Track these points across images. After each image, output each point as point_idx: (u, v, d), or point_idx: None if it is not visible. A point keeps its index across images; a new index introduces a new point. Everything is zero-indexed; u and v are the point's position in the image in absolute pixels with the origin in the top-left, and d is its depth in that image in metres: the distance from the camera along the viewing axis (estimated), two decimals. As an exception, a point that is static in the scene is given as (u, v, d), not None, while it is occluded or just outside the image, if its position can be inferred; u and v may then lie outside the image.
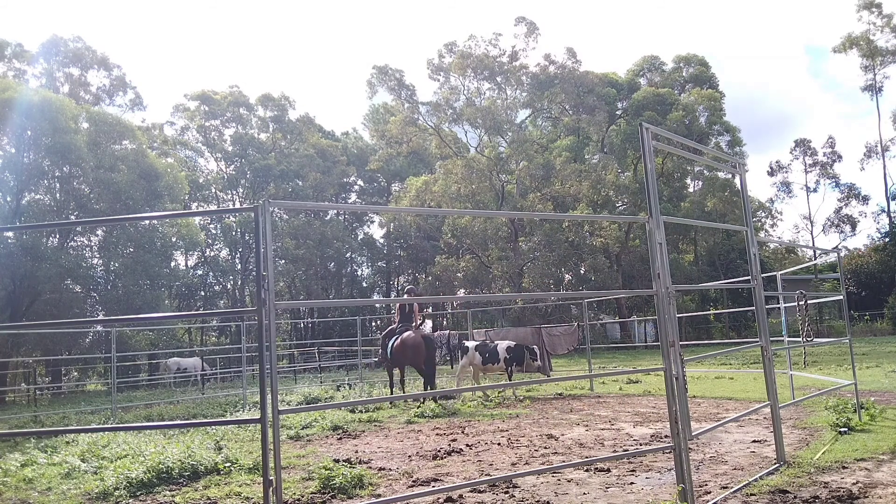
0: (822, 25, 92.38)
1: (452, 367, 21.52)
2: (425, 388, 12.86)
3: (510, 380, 13.40)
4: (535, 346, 14.00)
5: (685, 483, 4.58)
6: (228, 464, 7.01)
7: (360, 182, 56.66)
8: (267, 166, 47.18)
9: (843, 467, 5.65)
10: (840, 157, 47.00)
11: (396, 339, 13.03)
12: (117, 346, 15.40)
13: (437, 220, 45.97)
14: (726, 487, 5.21)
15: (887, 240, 42.33)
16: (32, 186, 30.08)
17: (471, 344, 14.09)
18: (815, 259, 34.89)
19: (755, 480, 5.32)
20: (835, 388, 9.22)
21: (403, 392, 13.38)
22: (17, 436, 10.15)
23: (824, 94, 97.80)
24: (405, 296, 14.71)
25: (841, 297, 8.77)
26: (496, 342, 14.00)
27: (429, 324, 14.58)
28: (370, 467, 6.90)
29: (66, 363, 32.52)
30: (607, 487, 5.51)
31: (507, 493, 5.52)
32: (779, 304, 11.47)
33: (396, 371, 13.70)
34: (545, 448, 7.52)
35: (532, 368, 13.73)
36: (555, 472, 6.06)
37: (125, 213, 28.39)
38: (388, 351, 13.15)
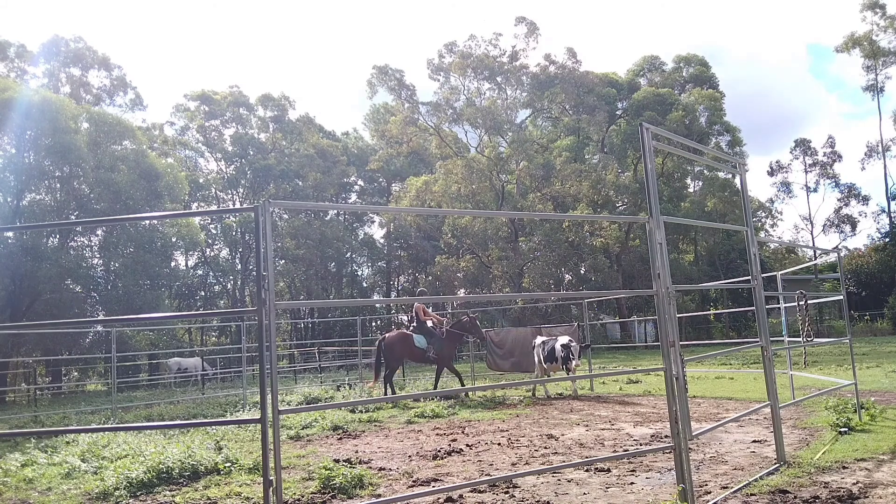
0: (825, 25, 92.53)
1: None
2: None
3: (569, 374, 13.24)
4: (572, 342, 13.35)
5: (685, 483, 4.58)
6: (228, 464, 7.01)
7: (360, 182, 56.66)
8: (267, 166, 47.19)
9: (844, 467, 5.64)
10: (840, 156, 47.10)
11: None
12: (117, 346, 15.40)
13: (437, 220, 45.98)
14: (726, 487, 5.21)
15: (887, 240, 42.34)
16: (33, 186, 30.08)
17: (537, 341, 14.00)
18: (815, 259, 34.88)
19: (755, 480, 5.32)
20: (835, 388, 9.22)
21: (393, 389, 14.19)
22: (18, 436, 10.15)
23: (827, 95, 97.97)
24: (419, 296, 15.33)
25: (841, 297, 8.77)
26: (555, 338, 13.74)
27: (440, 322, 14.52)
28: (370, 467, 6.90)
29: (67, 363, 32.53)
30: (607, 487, 5.51)
31: (507, 493, 5.52)
32: (779, 304, 11.46)
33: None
34: (545, 448, 7.52)
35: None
36: (555, 472, 6.06)
37: (125, 213, 28.38)
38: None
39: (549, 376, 13.45)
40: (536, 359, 13.82)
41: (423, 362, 14.49)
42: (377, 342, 14.46)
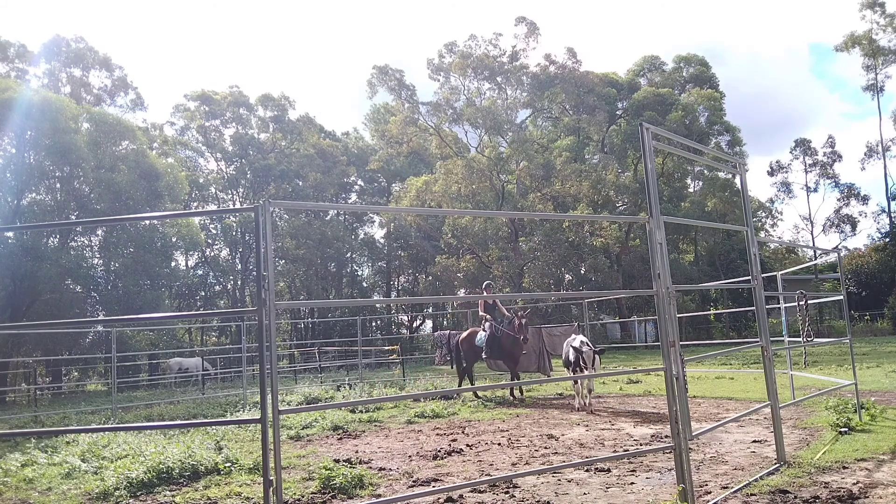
0: (827, 24, 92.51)
1: (452, 367, 21.55)
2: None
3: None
4: (584, 346, 11.30)
5: (685, 483, 4.58)
6: (229, 464, 7.02)
7: (360, 182, 56.66)
8: (267, 166, 47.19)
9: (844, 467, 5.64)
10: (840, 156, 47.02)
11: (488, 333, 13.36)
12: (117, 346, 15.41)
13: (437, 220, 46.00)
14: (727, 487, 5.21)
15: (887, 240, 42.31)
16: (33, 186, 30.09)
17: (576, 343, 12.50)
18: (815, 259, 34.86)
19: (755, 480, 5.32)
20: (835, 388, 9.22)
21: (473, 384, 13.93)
22: (18, 436, 10.15)
23: (829, 95, 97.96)
24: (485, 292, 14.49)
25: (841, 297, 8.77)
26: (573, 337, 12.61)
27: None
28: (370, 467, 6.90)
29: (67, 363, 32.52)
30: (608, 487, 5.51)
31: (507, 493, 5.53)
32: (779, 304, 11.46)
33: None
34: (545, 448, 7.52)
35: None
36: (555, 472, 6.06)
37: (125, 213, 28.39)
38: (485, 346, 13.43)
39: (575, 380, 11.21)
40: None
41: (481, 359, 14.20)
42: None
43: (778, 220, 50.47)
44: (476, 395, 13.02)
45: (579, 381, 10.93)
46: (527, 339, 12.97)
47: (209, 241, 47.11)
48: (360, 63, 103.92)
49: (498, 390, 13.63)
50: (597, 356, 10.58)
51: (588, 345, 10.73)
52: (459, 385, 14.11)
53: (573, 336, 11.93)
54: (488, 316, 13.59)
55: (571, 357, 10.88)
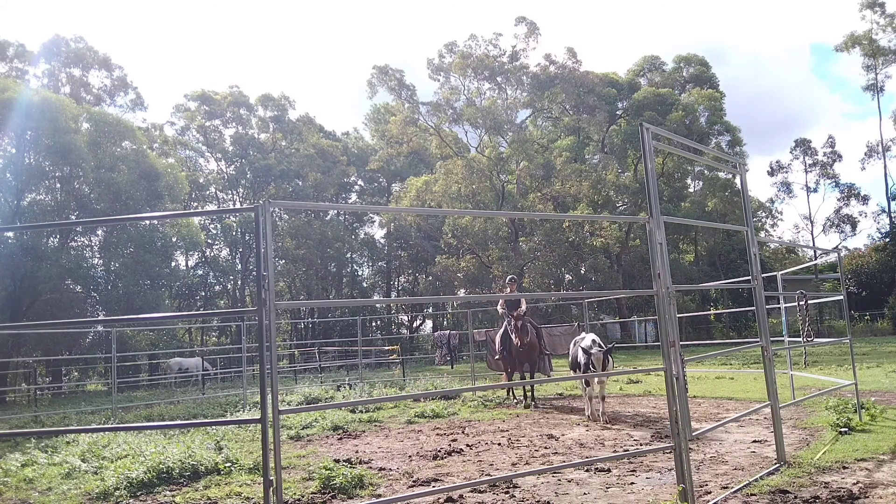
0: (829, 25, 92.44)
1: (452, 367, 21.59)
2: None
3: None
4: (593, 347, 10.14)
5: (685, 483, 4.58)
6: (229, 464, 7.02)
7: (360, 182, 56.66)
8: (267, 166, 47.18)
9: (844, 467, 5.64)
10: (840, 156, 47.00)
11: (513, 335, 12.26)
12: (118, 346, 15.40)
13: (437, 220, 45.99)
14: (727, 487, 5.21)
15: (887, 240, 42.31)
16: (33, 186, 30.07)
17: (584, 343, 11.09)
18: (815, 259, 34.84)
19: (756, 480, 5.32)
20: (835, 388, 9.22)
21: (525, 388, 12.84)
22: (18, 436, 10.15)
23: (830, 95, 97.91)
24: (508, 286, 13.78)
25: (841, 297, 8.77)
26: (582, 336, 11.24)
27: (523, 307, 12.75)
28: (370, 467, 6.91)
29: (67, 363, 32.51)
30: (608, 487, 5.51)
31: (507, 493, 5.53)
32: (779, 304, 11.46)
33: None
34: (545, 448, 7.52)
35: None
36: (555, 472, 6.06)
37: (125, 213, 28.38)
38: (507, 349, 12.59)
39: (586, 383, 10.24)
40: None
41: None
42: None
43: (778, 220, 50.49)
44: (513, 394, 12.95)
45: (589, 385, 10.00)
46: (525, 339, 11.95)
47: (209, 241, 47.09)
48: (360, 63, 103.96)
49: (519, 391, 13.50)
50: (608, 358, 9.39)
51: (599, 345, 9.55)
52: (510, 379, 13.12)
53: (582, 335, 10.80)
54: (501, 313, 13.17)
55: (580, 358, 9.66)
